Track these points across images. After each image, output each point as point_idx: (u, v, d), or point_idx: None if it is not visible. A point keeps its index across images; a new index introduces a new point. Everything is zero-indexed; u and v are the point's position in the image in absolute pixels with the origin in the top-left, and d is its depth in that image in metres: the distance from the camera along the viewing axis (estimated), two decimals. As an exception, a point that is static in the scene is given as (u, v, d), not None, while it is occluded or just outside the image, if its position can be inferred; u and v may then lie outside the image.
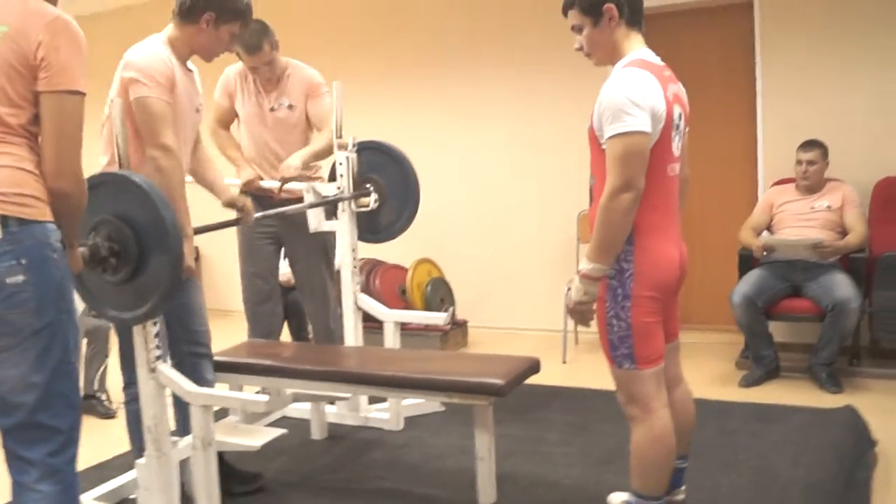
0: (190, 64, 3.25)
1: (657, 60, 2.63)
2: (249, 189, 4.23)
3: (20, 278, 2.06)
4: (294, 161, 4.12)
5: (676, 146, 2.61)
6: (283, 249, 4.46)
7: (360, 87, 6.25)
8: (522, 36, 6.17)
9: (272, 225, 4.28)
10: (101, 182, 2.66)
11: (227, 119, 4.41)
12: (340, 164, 4.04)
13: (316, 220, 4.13)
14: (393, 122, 6.46)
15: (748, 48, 5.51)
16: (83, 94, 2.15)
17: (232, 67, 4.36)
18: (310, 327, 4.78)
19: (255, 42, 4.09)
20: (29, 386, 2.12)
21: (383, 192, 4.18)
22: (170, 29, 3.15)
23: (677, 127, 2.60)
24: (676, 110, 2.58)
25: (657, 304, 2.57)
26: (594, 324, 2.66)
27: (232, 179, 4.19)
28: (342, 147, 4.04)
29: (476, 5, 6.35)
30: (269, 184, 4.22)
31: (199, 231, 3.13)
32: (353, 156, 4.07)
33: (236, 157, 4.34)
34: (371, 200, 4.14)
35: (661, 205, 2.58)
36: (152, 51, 3.05)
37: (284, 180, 4.11)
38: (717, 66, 5.74)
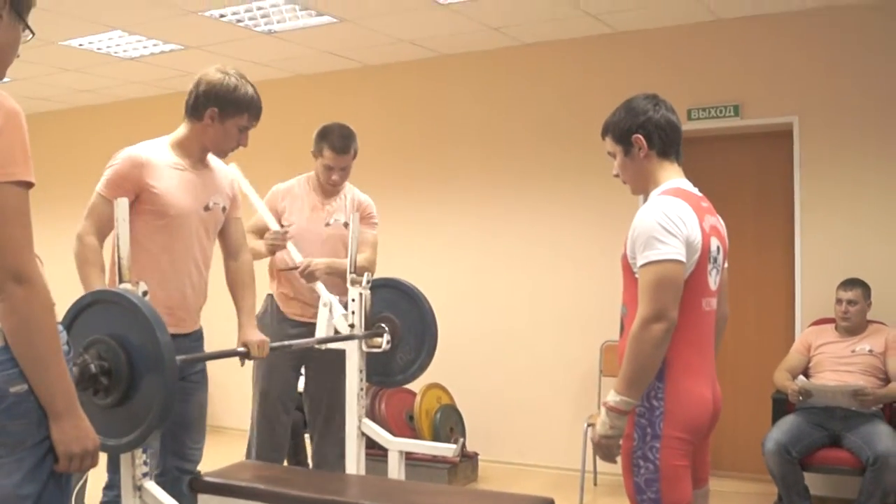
0: (216, 161, 3.46)
1: (695, 190, 2.73)
2: (271, 240, 4.23)
3: (24, 387, 2.02)
4: (320, 264, 4.23)
5: (713, 280, 2.67)
6: (302, 368, 4.52)
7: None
8: (543, 154, 6.28)
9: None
10: (94, 301, 2.73)
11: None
12: (353, 300, 3.99)
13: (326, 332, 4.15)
14: (403, 240, 6.52)
15: (787, 177, 5.61)
16: (28, 185, 1.91)
17: (280, 185, 4.52)
18: (308, 451, 4.77)
19: (344, 145, 4.34)
20: (19, 498, 2.10)
21: (397, 333, 4.15)
22: (181, 128, 3.37)
23: (714, 260, 2.66)
24: (714, 243, 2.65)
25: (688, 446, 2.57)
26: (616, 465, 2.66)
27: (269, 218, 4.27)
28: (355, 283, 4.01)
29: (493, 125, 6.51)
30: (294, 253, 4.23)
31: (208, 358, 3.28)
32: (367, 293, 4.03)
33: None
34: (384, 341, 4.08)
35: (696, 341, 2.62)
36: (140, 147, 3.30)
37: (302, 271, 4.19)
38: (754, 194, 5.84)
